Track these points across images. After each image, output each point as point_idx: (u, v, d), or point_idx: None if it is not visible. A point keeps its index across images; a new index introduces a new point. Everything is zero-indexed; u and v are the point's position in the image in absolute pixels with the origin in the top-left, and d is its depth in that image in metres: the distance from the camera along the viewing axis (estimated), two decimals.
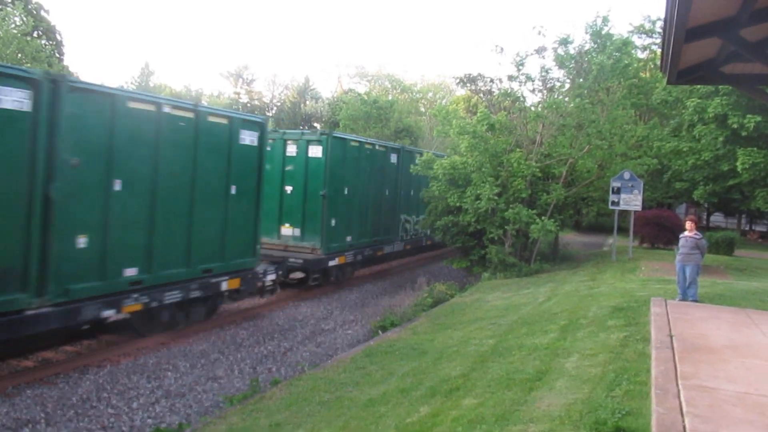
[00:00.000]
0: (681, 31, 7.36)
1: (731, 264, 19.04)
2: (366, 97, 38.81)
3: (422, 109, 54.43)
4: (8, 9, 37.29)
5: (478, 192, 17.64)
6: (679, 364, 6.46)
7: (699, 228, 11.38)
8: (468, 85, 23.92)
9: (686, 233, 11.03)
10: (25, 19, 36.07)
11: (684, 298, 10.64)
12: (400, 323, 13.00)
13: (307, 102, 57.50)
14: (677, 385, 5.77)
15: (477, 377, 7.46)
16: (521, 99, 20.60)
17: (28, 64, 30.96)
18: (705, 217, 37.05)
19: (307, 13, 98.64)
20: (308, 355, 11.24)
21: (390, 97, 46.66)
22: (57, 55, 41.11)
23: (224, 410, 8.07)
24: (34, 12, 41.16)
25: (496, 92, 22.05)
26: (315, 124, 50.28)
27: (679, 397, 5.43)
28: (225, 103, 57.39)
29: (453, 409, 6.34)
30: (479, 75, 22.87)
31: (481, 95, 24.69)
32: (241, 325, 12.54)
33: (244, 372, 10.10)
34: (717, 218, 40.24)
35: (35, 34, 39.07)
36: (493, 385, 6.90)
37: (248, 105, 60.63)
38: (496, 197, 17.58)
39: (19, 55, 33.04)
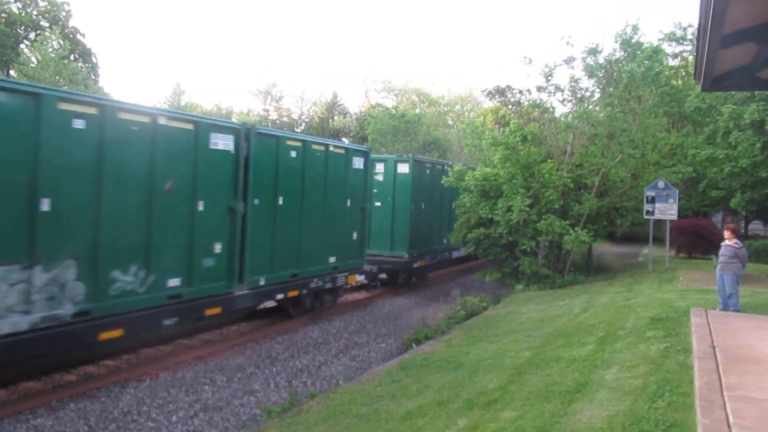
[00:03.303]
0: (716, 37, 7.26)
1: None
2: (394, 111, 39.02)
3: (450, 122, 54.44)
4: (46, 33, 38.57)
5: (510, 203, 17.54)
6: (724, 374, 6.32)
7: (738, 237, 11.11)
8: (496, 97, 23.91)
9: (726, 242, 10.82)
10: (62, 42, 37.27)
11: (725, 308, 10.39)
12: (434, 336, 12.95)
13: (336, 117, 57.94)
14: (722, 396, 5.64)
15: (515, 389, 7.39)
16: (551, 109, 20.50)
17: (66, 87, 31.88)
18: (743, 225, 36.16)
19: (333, 30, 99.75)
20: (343, 369, 11.27)
21: (417, 111, 46.78)
22: (93, 77, 42.29)
23: (263, 423, 8.14)
24: (71, 36, 42.50)
25: (525, 104, 21.99)
26: (343, 139, 50.57)
27: (725, 409, 5.31)
28: (255, 120, 58.15)
29: (492, 421, 6.29)
30: (507, 87, 22.86)
31: (510, 107, 24.65)
32: (275, 339, 12.64)
33: (279, 385, 10.16)
34: (756, 226, 39.24)
35: (72, 57, 40.28)
36: (531, 398, 6.83)
37: (277, 122, 61.28)
38: (528, 208, 17.46)
39: (57, 77, 34.09)
